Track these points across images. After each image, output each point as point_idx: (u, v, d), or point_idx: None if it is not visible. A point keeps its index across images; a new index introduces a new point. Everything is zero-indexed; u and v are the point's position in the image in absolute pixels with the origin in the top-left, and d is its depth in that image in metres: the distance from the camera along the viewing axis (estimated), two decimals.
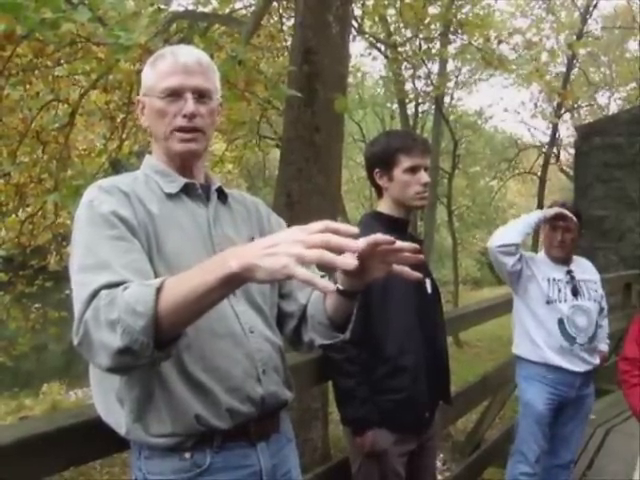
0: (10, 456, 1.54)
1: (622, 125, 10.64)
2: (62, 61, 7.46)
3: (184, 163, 1.72)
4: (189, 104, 1.65)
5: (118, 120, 8.36)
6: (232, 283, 1.25)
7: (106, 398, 1.60)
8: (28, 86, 7.69)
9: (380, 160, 2.63)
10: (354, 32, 11.92)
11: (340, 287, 1.62)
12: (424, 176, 2.58)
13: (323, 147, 5.44)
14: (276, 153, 12.16)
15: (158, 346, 1.31)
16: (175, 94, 1.65)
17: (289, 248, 1.17)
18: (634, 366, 2.87)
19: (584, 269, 3.75)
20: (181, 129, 1.66)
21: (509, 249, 3.46)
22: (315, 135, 5.39)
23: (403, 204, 2.63)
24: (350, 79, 15.20)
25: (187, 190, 1.70)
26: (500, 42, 12.82)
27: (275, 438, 1.72)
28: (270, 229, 1.83)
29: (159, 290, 1.29)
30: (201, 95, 1.67)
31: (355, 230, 1.21)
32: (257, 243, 1.24)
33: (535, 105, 24.85)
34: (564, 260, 3.64)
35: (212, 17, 7.82)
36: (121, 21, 3.78)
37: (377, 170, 2.64)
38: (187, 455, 1.56)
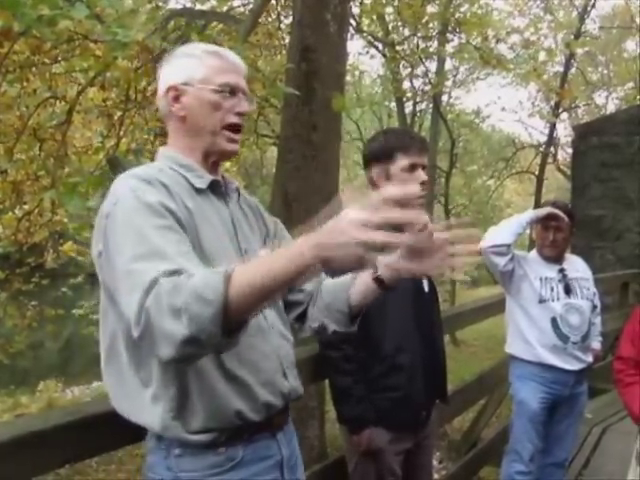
0: (6, 453, 1.54)
1: (620, 125, 10.65)
2: (59, 58, 7.45)
3: (218, 161, 1.74)
4: (245, 103, 1.70)
5: (115, 118, 8.36)
6: (306, 273, 1.26)
7: (135, 398, 1.56)
8: (25, 83, 7.68)
9: (378, 158, 2.61)
10: (352, 30, 11.92)
11: (380, 276, 1.69)
12: (422, 175, 2.57)
13: (321, 145, 5.44)
14: (274, 151, 12.15)
15: (224, 334, 1.27)
16: (232, 91, 1.68)
17: (358, 235, 1.19)
18: (629, 365, 2.87)
19: (576, 267, 3.75)
20: (233, 127, 1.69)
21: (501, 249, 3.46)
22: (313, 133, 5.38)
23: (400, 204, 2.62)
24: (348, 77, 15.20)
25: (212, 187, 1.69)
26: (498, 41, 12.88)
27: (287, 429, 1.77)
28: (274, 230, 1.89)
29: (229, 277, 1.26)
30: (245, 97, 1.72)
31: (416, 190, 1.25)
32: (327, 230, 1.23)
33: (533, 104, 24.86)
34: (556, 259, 3.64)
35: (210, 15, 7.82)
36: (119, 18, 3.78)
37: (375, 168, 2.63)
38: (221, 450, 1.57)
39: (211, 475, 1.56)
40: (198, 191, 1.65)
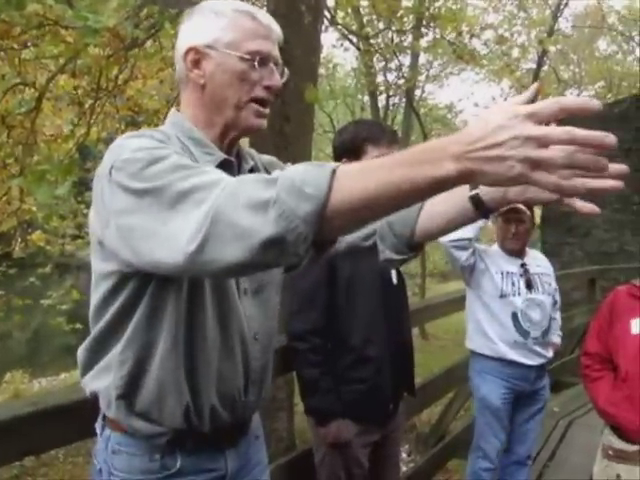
0: None
1: (590, 122, 10.72)
2: (29, 44, 7.33)
3: (239, 137, 1.52)
4: (277, 77, 1.48)
5: (86, 106, 8.24)
6: (444, 187, 0.99)
7: (94, 365, 1.47)
8: None
9: (348, 149, 2.59)
10: (326, 23, 11.88)
11: (480, 195, 1.36)
12: None
13: (293, 137, 5.42)
14: (245, 142, 12.10)
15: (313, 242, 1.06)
16: (262, 61, 1.44)
17: (521, 150, 0.91)
18: (595, 361, 2.90)
19: (538, 262, 3.73)
20: (261, 101, 1.47)
21: (462, 243, 3.42)
22: (285, 125, 5.36)
23: None
24: (321, 70, 15.19)
25: (222, 167, 1.41)
26: (472, 37, 12.91)
27: (243, 440, 1.64)
28: None
29: (334, 174, 1.03)
30: (278, 68, 1.50)
31: (597, 104, 0.98)
32: (475, 135, 0.94)
33: (505, 100, 25.03)
34: (518, 252, 3.61)
35: (184, 3, 7.73)
36: (90, 4, 3.73)
37: (345, 160, 2.61)
38: (157, 456, 1.47)
39: None
40: None
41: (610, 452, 2.77)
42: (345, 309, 2.50)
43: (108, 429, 1.51)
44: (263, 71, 1.45)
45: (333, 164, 1.06)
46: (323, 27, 8.21)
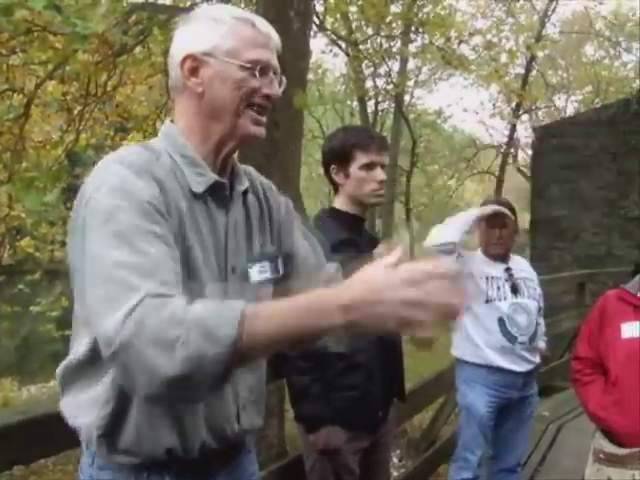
0: None
1: (578, 127, 10.83)
2: (17, 50, 7.31)
3: (237, 147, 1.50)
4: (276, 86, 1.46)
5: (75, 112, 8.23)
6: (333, 333, 1.14)
7: (79, 398, 1.42)
8: None
9: (336, 156, 2.60)
10: (315, 28, 11.90)
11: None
12: (380, 173, 2.58)
13: (282, 143, 5.41)
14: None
15: (223, 377, 1.13)
16: (262, 70, 1.42)
17: (398, 310, 1.07)
18: (586, 365, 2.90)
19: (522, 267, 3.69)
20: (259, 108, 1.45)
21: (447, 247, 3.35)
22: (274, 131, 5.35)
23: (359, 201, 2.62)
24: (311, 75, 15.19)
25: (213, 189, 1.44)
26: (461, 42, 12.97)
27: (236, 457, 1.59)
28: (280, 218, 1.65)
29: (244, 317, 1.10)
30: (277, 78, 1.49)
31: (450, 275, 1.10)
32: (362, 292, 1.09)
33: (494, 105, 25.10)
34: (502, 257, 3.57)
35: (172, 9, 7.75)
36: (78, 10, 3.72)
37: (333, 166, 2.62)
38: (144, 474, 1.41)
39: None
40: (194, 195, 1.41)
41: (601, 456, 2.78)
42: None
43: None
44: (263, 80, 1.43)
45: (240, 304, 1.12)
46: (312, 33, 8.24)
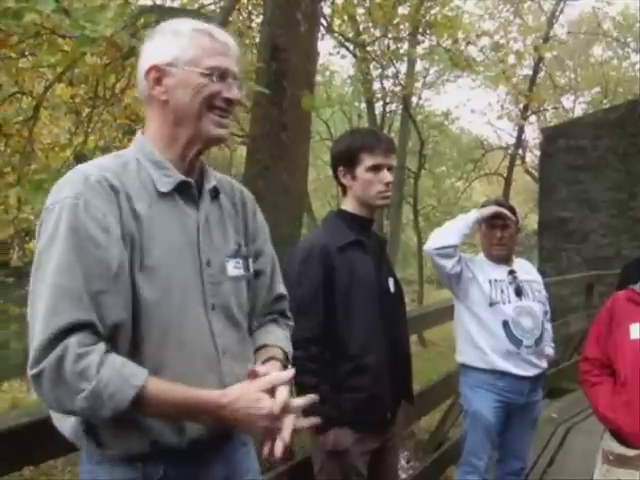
0: None
1: (586, 128, 10.80)
2: (26, 53, 7.34)
3: (203, 149, 1.61)
4: (235, 90, 1.56)
5: (84, 114, 8.26)
6: (208, 422, 1.47)
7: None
8: None
9: (344, 158, 2.63)
10: (323, 30, 11.92)
11: None
12: (387, 175, 2.58)
13: (290, 145, 5.42)
14: (243, 150, 12.10)
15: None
16: (221, 76, 1.54)
17: (262, 421, 1.44)
18: (594, 366, 2.89)
19: (527, 270, 3.64)
20: (220, 111, 1.55)
21: (447, 251, 3.33)
22: (282, 133, 5.36)
23: (366, 203, 2.63)
24: (318, 77, 15.21)
25: (181, 188, 1.56)
26: (468, 44, 12.93)
27: (228, 446, 1.63)
28: (254, 228, 1.77)
29: (140, 396, 1.33)
30: (236, 83, 1.59)
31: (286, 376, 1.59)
32: (241, 401, 1.43)
33: (502, 107, 25.07)
34: (505, 259, 3.52)
35: (180, 12, 7.76)
36: (87, 13, 3.73)
37: (341, 168, 2.64)
38: (139, 464, 1.48)
39: None
40: (161, 194, 1.52)
41: (610, 457, 2.77)
42: (343, 317, 2.49)
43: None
44: (222, 85, 1.54)
45: (143, 376, 1.35)
46: (320, 35, 8.24)
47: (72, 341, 1.31)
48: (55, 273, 1.35)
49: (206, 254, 1.56)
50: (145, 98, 1.59)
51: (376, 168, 2.57)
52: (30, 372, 1.33)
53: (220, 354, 1.57)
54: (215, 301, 1.57)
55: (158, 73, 1.54)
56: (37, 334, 1.33)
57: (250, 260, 1.70)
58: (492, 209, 3.44)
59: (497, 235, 3.47)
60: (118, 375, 1.32)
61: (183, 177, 1.56)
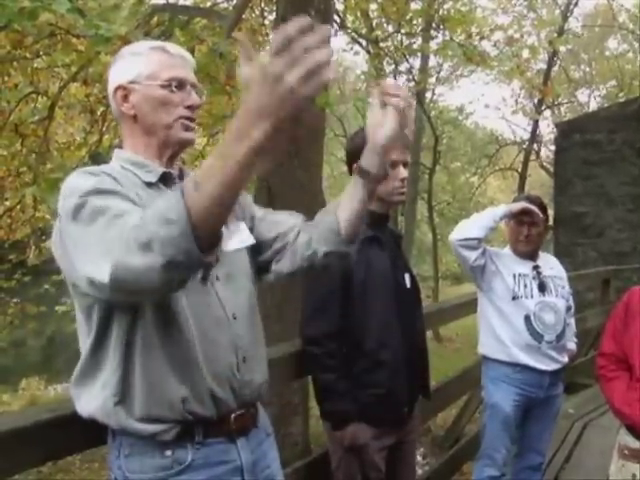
0: None
1: (601, 122, 10.73)
2: (41, 53, 7.39)
3: (176, 152, 1.73)
4: (195, 96, 1.70)
5: (98, 113, 8.31)
6: (261, 152, 1.10)
7: (88, 385, 1.58)
8: (7, 78, 7.62)
9: (357, 155, 2.59)
10: (336, 27, 11.90)
11: (364, 167, 1.76)
12: (402, 172, 2.59)
13: (304, 142, 5.43)
14: None
15: (201, 250, 1.20)
16: (179, 85, 1.67)
17: (278, 82, 1.05)
18: (610, 361, 2.88)
19: (551, 265, 3.63)
20: (186, 118, 1.68)
21: (471, 243, 3.35)
22: (296, 129, 5.36)
23: (381, 199, 2.63)
24: None
25: (164, 179, 1.67)
26: (482, 38, 12.87)
27: (254, 433, 1.72)
28: (242, 208, 1.85)
29: (183, 192, 1.18)
30: (195, 90, 1.72)
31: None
32: (257, 102, 1.09)
33: (516, 101, 24.97)
34: (530, 255, 3.53)
35: (193, 10, 7.79)
36: (101, 13, 3.75)
37: (355, 165, 2.64)
38: (168, 452, 1.54)
39: (158, 478, 1.54)
40: (148, 185, 1.64)
41: (626, 452, 2.76)
42: (360, 313, 2.50)
43: (118, 436, 1.59)
44: (182, 94, 1.68)
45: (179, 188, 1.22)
46: (333, 31, 8.23)
47: (125, 218, 1.32)
48: (88, 225, 1.37)
49: None
50: (117, 117, 1.75)
51: (392, 164, 2.56)
52: (107, 278, 1.27)
53: (230, 318, 1.66)
54: (217, 272, 1.66)
55: (124, 91, 1.68)
56: (100, 265, 1.29)
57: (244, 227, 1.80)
58: (521, 205, 3.43)
59: (524, 232, 3.47)
60: (160, 200, 1.26)
61: (164, 169, 1.68)
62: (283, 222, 1.87)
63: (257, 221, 1.87)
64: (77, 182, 1.49)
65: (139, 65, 1.67)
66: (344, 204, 1.79)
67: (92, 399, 1.56)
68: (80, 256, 1.38)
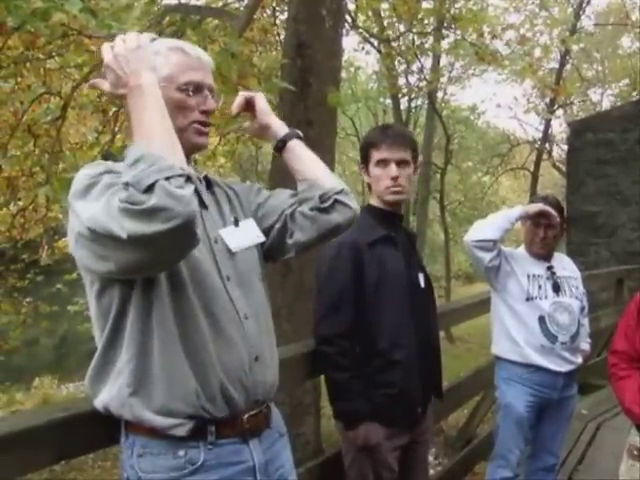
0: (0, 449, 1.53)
1: (614, 121, 10.66)
2: (54, 54, 7.42)
3: (187, 156, 1.68)
4: (211, 101, 1.70)
5: (110, 114, 8.34)
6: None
7: (104, 376, 1.59)
8: (19, 79, 7.66)
9: (360, 156, 2.75)
10: (347, 26, 11.89)
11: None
12: (393, 169, 2.59)
13: (316, 141, 5.41)
14: (269, 147, 12.15)
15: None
16: (196, 89, 1.68)
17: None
18: (622, 359, 2.86)
19: (565, 265, 3.61)
20: (200, 123, 1.70)
21: (486, 244, 3.33)
22: (308, 129, 5.36)
23: (381, 198, 2.66)
24: (343, 73, 15.18)
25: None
26: (493, 37, 12.83)
27: (267, 434, 1.73)
28: (248, 198, 1.92)
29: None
30: (211, 94, 1.72)
31: None
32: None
33: (528, 101, 24.84)
34: (545, 256, 3.51)
35: (205, 10, 7.80)
36: (113, 13, 3.76)
37: (361, 165, 2.74)
38: (181, 453, 1.55)
39: (171, 478, 1.54)
40: None
41: (635, 452, 2.75)
42: (373, 313, 2.50)
43: (131, 435, 1.59)
44: (198, 98, 1.68)
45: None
46: (344, 31, 8.23)
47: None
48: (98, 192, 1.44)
49: (212, 232, 1.71)
50: (130, 114, 1.71)
51: (383, 163, 2.60)
52: (125, 234, 1.32)
53: (242, 318, 1.67)
54: (228, 272, 1.68)
55: None
56: (112, 203, 1.37)
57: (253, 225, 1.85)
58: (538, 207, 3.40)
59: (540, 234, 3.45)
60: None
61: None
62: (280, 204, 1.93)
63: (260, 208, 1.91)
64: (87, 171, 1.52)
65: (157, 65, 1.66)
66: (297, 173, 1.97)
67: (107, 389, 1.57)
68: (95, 211, 1.40)
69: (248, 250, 1.78)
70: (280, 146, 1.98)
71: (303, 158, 1.99)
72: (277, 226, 1.89)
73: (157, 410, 1.53)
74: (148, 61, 1.54)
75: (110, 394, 1.56)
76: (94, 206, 1.40)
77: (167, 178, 1.33)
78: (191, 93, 1.67)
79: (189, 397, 1.54)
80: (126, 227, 1.31)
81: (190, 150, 1.72)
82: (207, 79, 1.71)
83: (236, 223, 1.80)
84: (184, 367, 1.55)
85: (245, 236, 1.79)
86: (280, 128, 2.00)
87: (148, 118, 1.46)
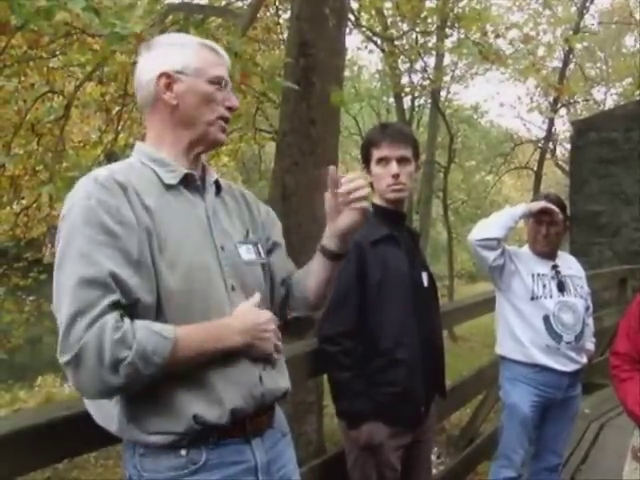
0: (3, 448, 1.53)
1: (618, 120, 10.64)
2: (57, 52, 7.43)
3: (203, 151, 1.75)
4: (234, 99, 1.73)
5: (113, 112, 8.35)
6: (235, 351, 1.56)
7: (101, 402, 1.58)
8: (23, 77, 7.67)
9: (362, 155, 2.75)
10: (350, 25, 11.88)
11: (326, 246, 1.79)
12: (393, 167, 2.58)
13: (319, 140, 5.42)
14: (272, 146, 12.12)
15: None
16: (223, 85, 1.70)
17: (271, 337, 1.64)
18: (624, 361, 2.84)
19: (569, 264, 3.59)
20: (225, 118, 1.71)
21: (490, 243, 3.31)
22: (311, 128, 5.37)
23: (383, 197, 2.65)
24: (346, 72, 15.18)
25: (186, 181, 1.66)
26: (497, 36, 12.80)
27: (269, 433, 1.71)
28: (261, 217, 1.89)
29: (176, 344, 1.44)
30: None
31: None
32: (255, 320, 1.61)
33: (531, 100, 24.79)
34: (549, 255, 3.49)
35: (208, 9, 7.80)
36: (116, 12, 3.76)
37: (363, 165, 2.73)
38: (183, 452, 1.54)
39: (172, 477, 1.53)
40: (168, 187, 1.62)
41: (639, 454, 2.73)
42: (376, 312, 2.50)
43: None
44: (224, 93, 1.70)
45: (171, 332, 1.45)
46: (347, 30, 8.22)
47: (108, 318, 1.39)
48: (78, 266, 1.43)
49: (219, 240, 1.67)
50: (147, 104, 1.70)
51: (384, 161, 2.60)
52: (65, 358, 1.40)
53: None
54: (234, 282, 1.66)
55: (168, 79, 1.65)
56: (70, 326, 1.40)
57: (260, 246, 1.81)
58: (540, 204, 3.39)
59: (542, 232, 3.44)
60: (151, 333, 1.43)
61: (186, 170, 1.67)
62: (287, 269, 1.94)
63: (271, 257, 1.88)
64: (92, 192, 1.49)
65: (187, 57, 1.67)
66: (312, 276, 1.87)
67: (101, 411, 1.59)
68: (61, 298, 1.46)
69: (254, 264, 1.76)
70: (330, 256, 1.82)
71: (329, 278, 1.88)
72: (282, 292, 1.93)
73: (153, 433, 1.52)
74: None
75: (109, 422, 1.57)
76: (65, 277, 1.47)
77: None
78: (220, 88, 1.69)
79: (187, 421, 1.51)
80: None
81: (211, 145, 1.75)
82: (227, 76, 1.74)
83: (247, 235, 1.78)
84: (182, 391, 1.52)
85: (251, 251, 1.78)
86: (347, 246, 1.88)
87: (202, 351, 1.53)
